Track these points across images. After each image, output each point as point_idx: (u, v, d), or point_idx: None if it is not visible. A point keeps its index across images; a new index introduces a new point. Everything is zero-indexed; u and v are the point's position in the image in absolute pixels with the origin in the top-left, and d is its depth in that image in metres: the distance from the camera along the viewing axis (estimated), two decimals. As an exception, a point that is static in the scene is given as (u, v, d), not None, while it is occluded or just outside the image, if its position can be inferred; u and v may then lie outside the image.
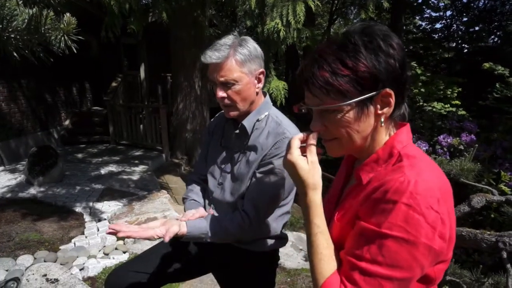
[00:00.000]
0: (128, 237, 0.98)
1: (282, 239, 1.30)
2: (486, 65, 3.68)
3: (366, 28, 0.63)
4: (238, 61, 1.09)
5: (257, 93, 1.17)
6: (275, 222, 1.22)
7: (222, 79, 1.09)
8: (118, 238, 3.21)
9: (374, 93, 0.62)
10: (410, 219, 0.55)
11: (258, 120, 1.18)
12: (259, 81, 1.16)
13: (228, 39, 1.11)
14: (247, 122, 1.17)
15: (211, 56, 1.08)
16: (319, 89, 0.63)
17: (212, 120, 1.41)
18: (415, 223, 0.55)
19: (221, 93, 1.11)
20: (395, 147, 0.66)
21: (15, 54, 0.67)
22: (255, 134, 1.17)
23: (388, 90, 0.62)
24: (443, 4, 10.52)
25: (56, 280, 2.15)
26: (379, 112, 0.64)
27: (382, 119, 0.65)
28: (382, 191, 0.59)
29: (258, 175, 1.13)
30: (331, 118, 0.65)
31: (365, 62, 0.61)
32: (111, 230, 0.94)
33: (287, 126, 1.15)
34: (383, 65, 0.61)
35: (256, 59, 1.13)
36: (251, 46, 1.12)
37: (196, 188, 1.36)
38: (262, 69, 1.15)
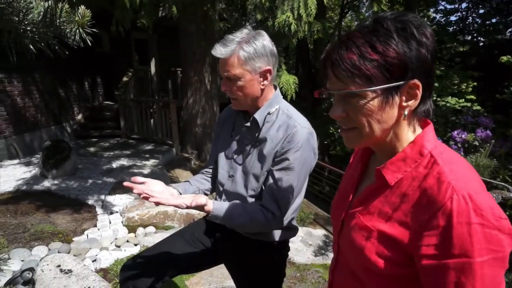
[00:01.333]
0: (158, 203, 1.02)
1: (293, 230, 1.32)
2: (504, 58, 3.58)
3: (400, 15, 0.60)
4: (240, 59, 1.11)
5: (262, 90, 1.18)
6: (291, 214, 1.24)
7: (225, 74, 1.14)
8: (130, 231, 3.26)
9: (401, 82, 0.59)
10: (490, 237, 0.53)
11: (269, 113, 1.19)
12: (264, 78, 1.16)
13: (240, 34, 1.13)
14: (258, 115, 1.19)
15: (217, 50, 1.12)
16: (344, 72, 0.59)
17: (221, 112, 1.42)
18: (495, 240, 0.53)
19: (223, 87, 1.17)
20: (424, 147, 0.63)
21: (31, 47, 0.67)
22: (266, 126, 1.19)
23: (416, 81, 0.59)
24: (458, -4, 10.25)
25: (70, 271, 2.20)
26: (404, 104, 0.61)
27: (406, 112, 0.62)
28: (445, 216, 0.55)
29: (276, 172, 1.15)
30: (353, 104, 0.61)
31: (396, 48, 0.58)
32: (145, 195, 1.00)
33: (297, 119, 1.17)
34: (414, 54, 0.58)
35: (262, 57, 1.13)
36: (259, 43, 1.12)
37: (197, 176, 1.41)
38: (268, 67, 1.15)
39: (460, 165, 0.60)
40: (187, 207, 1.05)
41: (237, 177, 1.24)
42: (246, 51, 1.10)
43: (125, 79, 7.86)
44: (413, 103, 0.61)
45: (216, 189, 1.35)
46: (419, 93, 0.60)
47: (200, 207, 1.08)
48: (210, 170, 1.40)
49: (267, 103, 1.20)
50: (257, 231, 1.22)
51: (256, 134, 1.20)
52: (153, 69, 9.80)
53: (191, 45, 6.10)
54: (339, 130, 0.70)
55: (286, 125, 1.15)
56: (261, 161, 1.18)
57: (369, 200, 0.68)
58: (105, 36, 8.16)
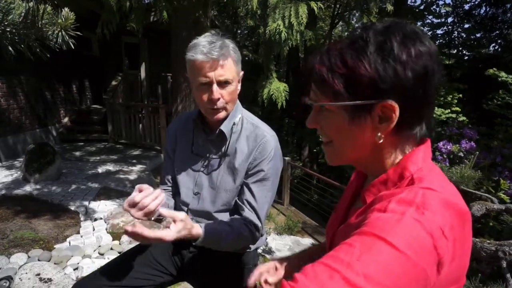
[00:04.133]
0: (134, 233, 0.87)
1: (262, 236, 1.28)
2: (491, 71, 3.68)
3: (390, 26, 0.54)
4: (234, 61, 1.06)
5: (238, 96, 1.16)
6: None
7: (221, 78, 1.03)
8: (114, 238, 3.18)
9: (370, 101, 0.53)
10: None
11: (234, 124, 1.15)
12: (239, 83, 1.13)
13: (215, 37, 1.05)
14: (225, 127, 1.13)
15: (211, 52, 1.00)
16: (314, 83, 0.58)
17: (171, 125, 1.31)
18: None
19: (217, 94, 1.05)
20: (407, 169, 0.57)
21: (10, 48, 0.65)
22: (233, 138, 1.14)
23: (390, 102, 0.52)
24: (445, 11, 10.56)
25: (50, 279, 2.12)
26: (378, 125, 0.55)
27: (379, 134, 0.56)
28: (384, 202, 0.53)
29: (252, 185, 1.12)
30: (323, 117, 0.60)
31: (367, 65, 0.52)
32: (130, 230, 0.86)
33: (263, 127, 1.15)
34: (389, 72, 0.51)
35: (240, 61, 1.10)
36: (237, 49, 1.09)
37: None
38: (242, 72, 1.14)
39: (437, 195, 0.50)
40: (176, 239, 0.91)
41: (203, 194, 1.17)
42: (236, 53, 1.06)
43: (114, 83, 7.76)
44: (386, 126, 0.55)
45: (177, 209, 1.23)
46: (395, 115, 0.53)
47: (190, 235, 0.95)
48: (169, 188, 1.27)
49: (231, 113, 1.14)
50: (242, 246, 1.18)
51: (223, 147, 1.15)
52: (143, 73, 9.72)
53: (182, 51, 6.05)
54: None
55: (254, 135, 1.13)
56: (232, 175, 1.13)
57: (352, 223, 0.64)
58: (95, 39, 8.07)
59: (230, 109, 1.12)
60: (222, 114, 1.11)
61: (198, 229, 0.98)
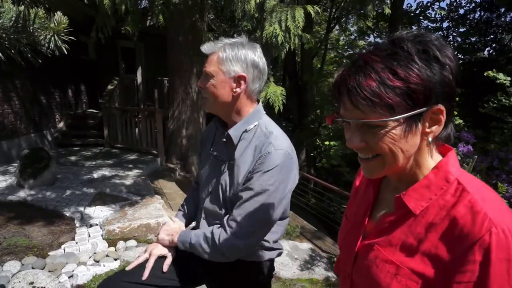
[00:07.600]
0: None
1: (277, 250, 1.28)
2: (490, 73, 3.70)
3: (419, 36, 0.57)
4: (219, 57, 1.10)
5: (234, 97, 1.10)
6: (270, 233, 1.20)
7: (204, 69, 1.13)
8: (110, 245, 3.13)
9: (425, 108, 0.55)
10: None
11: (246, 131, 1.12)
12: (237, 85, 1.09)
13: (234, 39, 1.15)
14: (233, 132, 1.12)
15: (204, 46, 1.14)
16: (364, 101, 0.55)
17: (206, 127, 1.40)
18: None
19: (199, 83, 1.15)
20: (450, 173, 0.59)
21: (0, 54, 0.62)
22: (241, 145, 1.12)
23: (440, 106, 0.56)
24: (440, 15, 10.66)
25: (43, 288, 2.08)
26: (427, 130, 0.58)
27: (430, 139, 0.58)
28: (482, 250, 0.51)
29: (242, 194, 1.07)
30: (373, 133, 0.57)
31: (419, 73, 0.53)
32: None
33: (275, 139, 1.08)
34: (437, 78, 0.54)
35: (240, 63, 1.08)
36: (243, 51, 1.09)
37: (192, 194, 1.41)
38: (243, 73, 1.08)
39: (490, 193, 0.57)
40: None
41: (214, 195, 1.19)
42: (227, 52, 1.09)
43: (110, 87, 7.72)
44: (436, 129, 0.58)
45: (198, 205, 1.30)
46: (443, 118, 0.57)
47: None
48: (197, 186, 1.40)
49: (245, 119, 1.12)
50: (226, 257, 1.13)
51: (231, 152, 1.14)
52: (139, 78, 9.69)
53: (179, 55, 6.06)
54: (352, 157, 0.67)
55: (261, 145, 1.08)
56: (234, 181, 1.11)
57: (389, 230, 0.63)
58: (91, 43, 8.04)
59: (214, 104, 1.13)
60: (207, 106, 1.17)
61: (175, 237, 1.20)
